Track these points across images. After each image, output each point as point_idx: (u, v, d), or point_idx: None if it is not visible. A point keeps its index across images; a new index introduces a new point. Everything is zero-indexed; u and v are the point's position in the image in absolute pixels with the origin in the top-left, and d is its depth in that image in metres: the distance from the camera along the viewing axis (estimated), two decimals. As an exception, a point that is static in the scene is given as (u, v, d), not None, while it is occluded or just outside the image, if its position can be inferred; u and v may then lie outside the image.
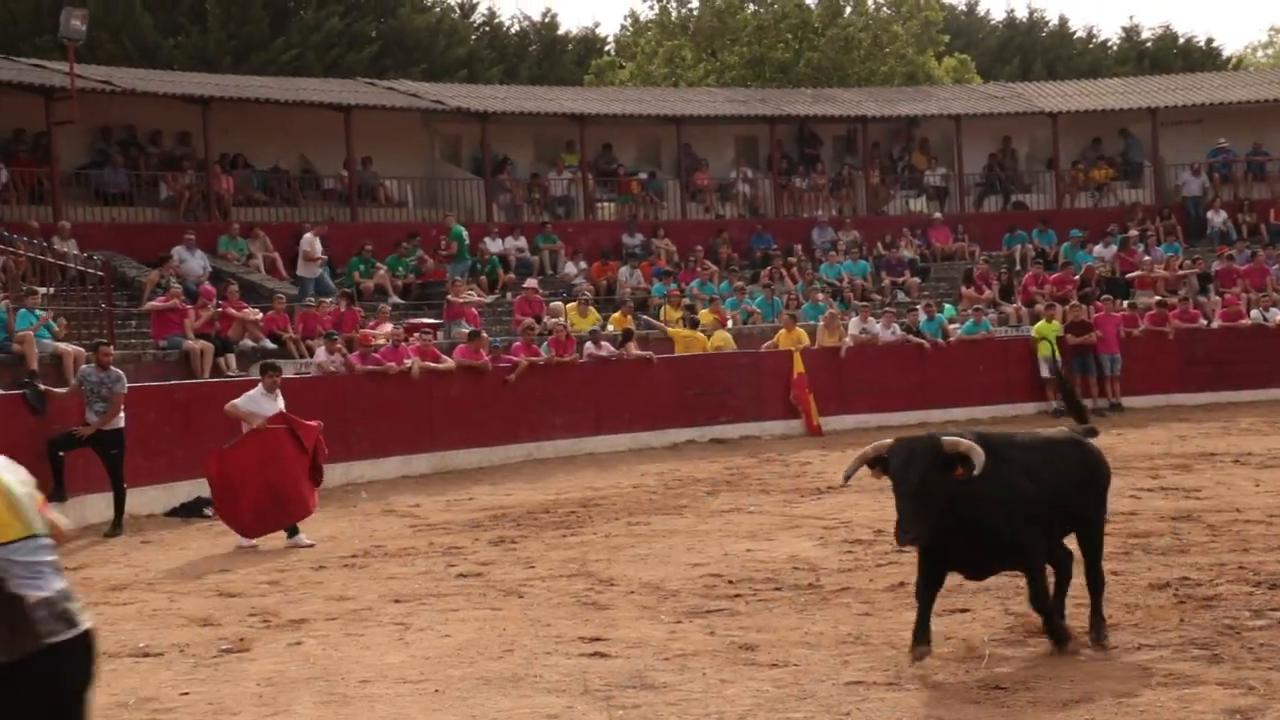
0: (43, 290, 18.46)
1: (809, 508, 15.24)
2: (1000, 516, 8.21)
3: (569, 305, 23.74)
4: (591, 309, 23.80)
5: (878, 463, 8.21)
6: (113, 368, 15.39)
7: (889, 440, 8.24)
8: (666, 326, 23.84)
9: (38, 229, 21.26)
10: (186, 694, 8.25)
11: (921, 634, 8.23)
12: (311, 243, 23.55)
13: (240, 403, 14.60)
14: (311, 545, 13.88)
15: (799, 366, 22.84)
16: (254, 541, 14.00)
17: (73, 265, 20.38)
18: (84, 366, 15.86)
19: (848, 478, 8.55)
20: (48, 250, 20.38)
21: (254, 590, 11.68)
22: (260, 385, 14.82)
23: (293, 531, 14.10)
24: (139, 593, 11.62)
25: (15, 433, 14.79)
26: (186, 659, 9.17)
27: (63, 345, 17.56)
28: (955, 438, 8.11)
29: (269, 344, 20.38)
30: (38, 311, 17.56)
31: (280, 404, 14.58)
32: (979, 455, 7.93)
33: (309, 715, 7.72)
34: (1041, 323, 24.56)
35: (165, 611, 10.88)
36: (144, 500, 15.24)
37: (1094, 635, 8.65)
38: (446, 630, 9.79)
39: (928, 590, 8.38)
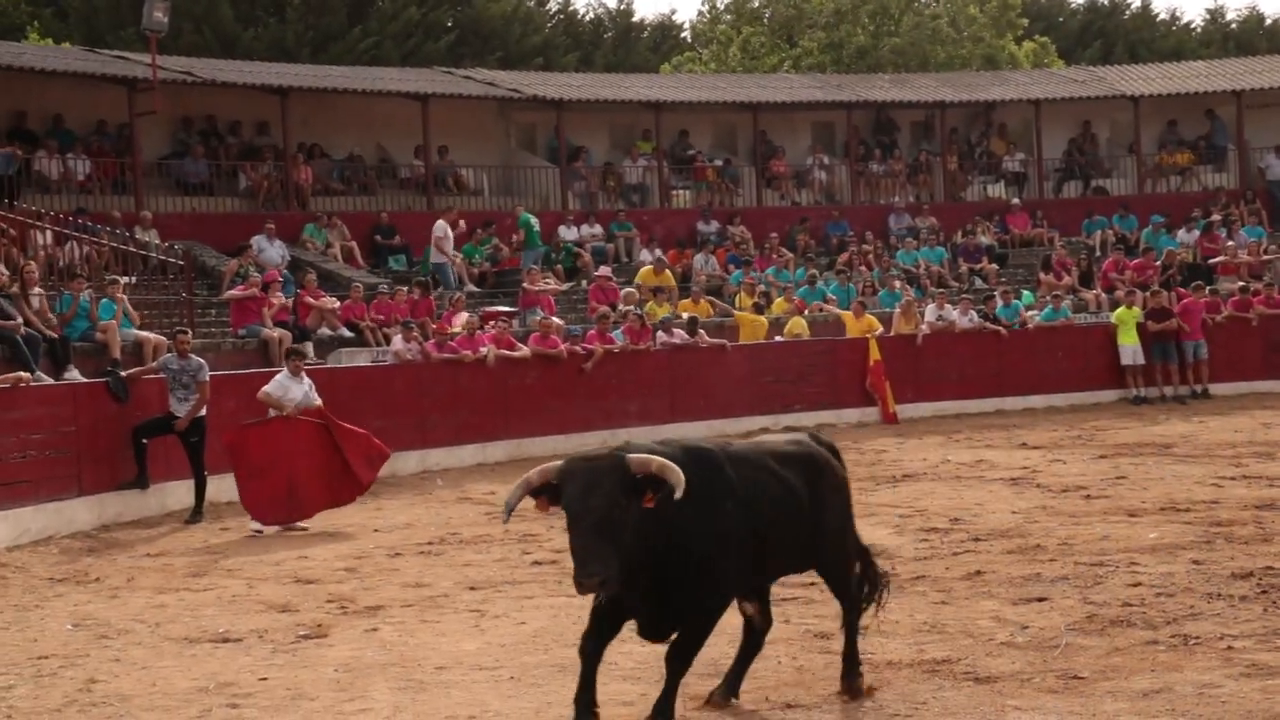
0: (124, 280, 18.67)
1: (885, 495, 15.16)
2: (709, 554, 6.83)
3: (644, 292, 23.68)
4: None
5: (545, 490, 6.65)
6: (193, 356, 15.54)
7: (558, 463, 6.73)
8: (734, 311, 23.76)
9: (120, 219, 21.52)
10: (265, 679, 8.33)
11: (584, 704, 6.83)
12: (444, 230, 23.78)
13: (270, 388, 14.97)
14: (305, 529, 14.34)
15: (875, 353, 22.71)
16: (263, 527, 14.29)
17: (154, 255, 20.62)
18: (165, 355, 16.05)
19: (510, 511, 6.78)
20: (130, 240, 20.62)
21: (331, 577, 11.77)
22: (285, 369, 15.32)
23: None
24: (218, 579, 11.74)
25: (99, 420, 15.02)
26: (265, 644, 9.26)
27: (143, 333, 17.78)
28: (645, 455, 6.62)
29: (346, 332, 20.52)
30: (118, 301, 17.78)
31: (307, 386, 15.06)
32: (677, 476, 6.51)
33: (386, 701, 7.77)
34: (1122, 309, 24.26)
35: (244, 598, 10.99)
36: (224, 487, 15.37)
37: (844, 682, 7.60)
38: (522, 617, 9.83)
39: (597, 643, 6.95)
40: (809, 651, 8.52)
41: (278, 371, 15.66)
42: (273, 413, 14.83)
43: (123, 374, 15.72)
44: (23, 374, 14.83)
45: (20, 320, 16.51)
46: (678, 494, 6.46)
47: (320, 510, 14.65)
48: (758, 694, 7.60)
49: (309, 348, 19.64)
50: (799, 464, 7.49)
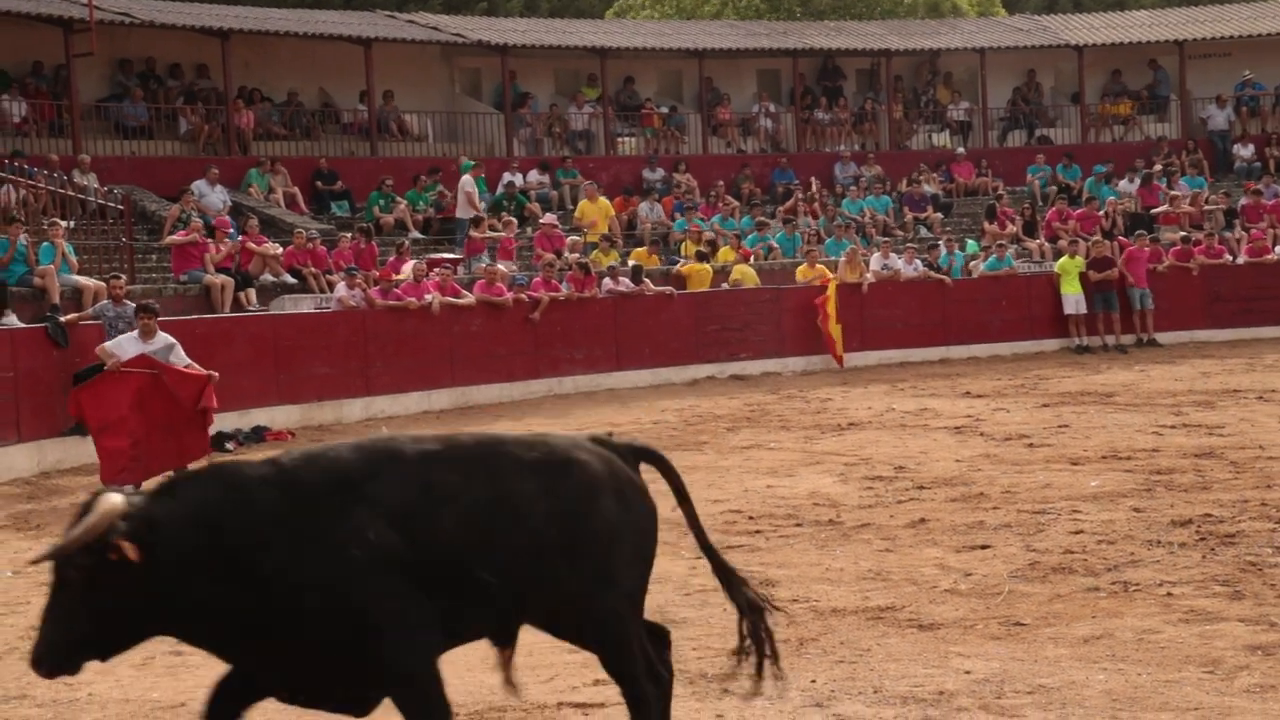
0: (64, 224, 18.41)
1: (829, 444, 15.22)
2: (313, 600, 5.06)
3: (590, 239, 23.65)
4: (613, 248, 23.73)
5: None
6: (162, 333, 14.85)
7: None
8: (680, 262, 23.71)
9: (57, 162, 21.22)
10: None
11: None
12: (471, 184, 23.64)
13: (108, 344, 14.06)
14: None
15: (832, 298, 22.60)
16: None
17: (93, 199, 20.35)
18: (102, 302, 15.86)
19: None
20: (68, 184, 20.34)
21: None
22: (135, 329, 14.18)
23: None
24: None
25: (38, 366, 14.85)
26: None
27: (82, 279, 17.56)
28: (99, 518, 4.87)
29: (289, 279, 20.36)
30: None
31: (161, 347, 13.96)
32: (126, 547, 4.82)
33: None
34: (1065, 259, 24.39)
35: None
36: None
37: None
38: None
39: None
40: (754, 599, 8.53)
41: (222, 318, 15.44)
42: (107, 366, 13.74)
43: (61, 319, 15.53)
44: (-41, 319, 14.66)
45: (-44, 265, 16.29)
46: (131, 556, 4.84)
47: (169, 468, 12.35)
48: (701, 642, 7.61)
49: (253, 295, 19.52)
50: (547, 476, 5.55)
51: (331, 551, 5.07)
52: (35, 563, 5.15)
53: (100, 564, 4.84)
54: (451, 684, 6.86)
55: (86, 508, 4.94)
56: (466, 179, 24.10)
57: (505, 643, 5.74)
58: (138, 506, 4.99)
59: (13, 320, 16.15)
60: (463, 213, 23.74)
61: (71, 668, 5.03)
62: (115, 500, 4.93)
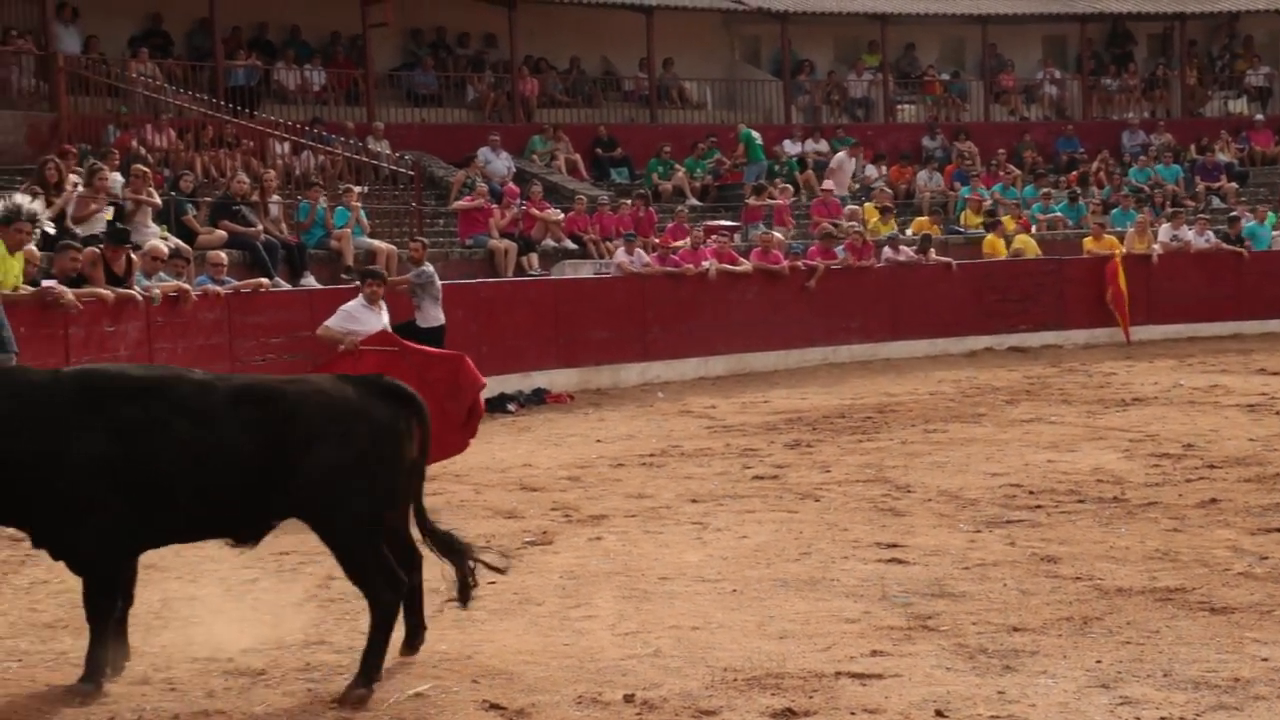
0: (357, 189, 19.12)
1: (1113, 419, 14.81)
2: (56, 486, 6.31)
3: (868, 208, 23.45)
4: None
5: None
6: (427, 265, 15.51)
7: None
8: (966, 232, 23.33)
9: (353, 129, 22.04)
10: (493, 583, 8.49)
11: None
12: (839, 161, 23.96)
13: (333, 322, 12.36)
14: None
15: (1121, 271, 21.94)
16: None
17: (385, 165, 21.06)
18: (424, 267, 15.65)
19: None
20: (362, 150, 21.09)
21: (556, 485, 11.97)
22: (360, 296, 12.58)
23: None
24: (446, 484, 11.98)
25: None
26: (493, 549, 9.46)
27: (375, 242, 18.20)
28: None
29: (570, 244, 20.74)
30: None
31: (385, 320, 12.43)
32: None
33: (610, 609, 7.88)
34: (1370, 232, 23.16)
35: (472, 503, 11.24)
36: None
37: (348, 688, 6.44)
38: (743, 531, 9.87)
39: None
40: (1035, 575, 8.38)
41: (505, 282, 15.53)
42: (341, 348, 12.05)
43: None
44: (262, 280, 15.36)
45: (260, 227, 17.07)
46: None
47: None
48: (980, 617, 7.51)
49: (534, 259, 19.93)
50: (259, 404, 6.49)
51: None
52: None
53: None
54: (728, 648, 6.96)
55: None
56: (839, 156, 24.30)
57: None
58: None
59: (310, 281, 16.87)
60: (840, 190, 23.73)
61: None
62: None
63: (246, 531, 6.67)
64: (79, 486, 6.28)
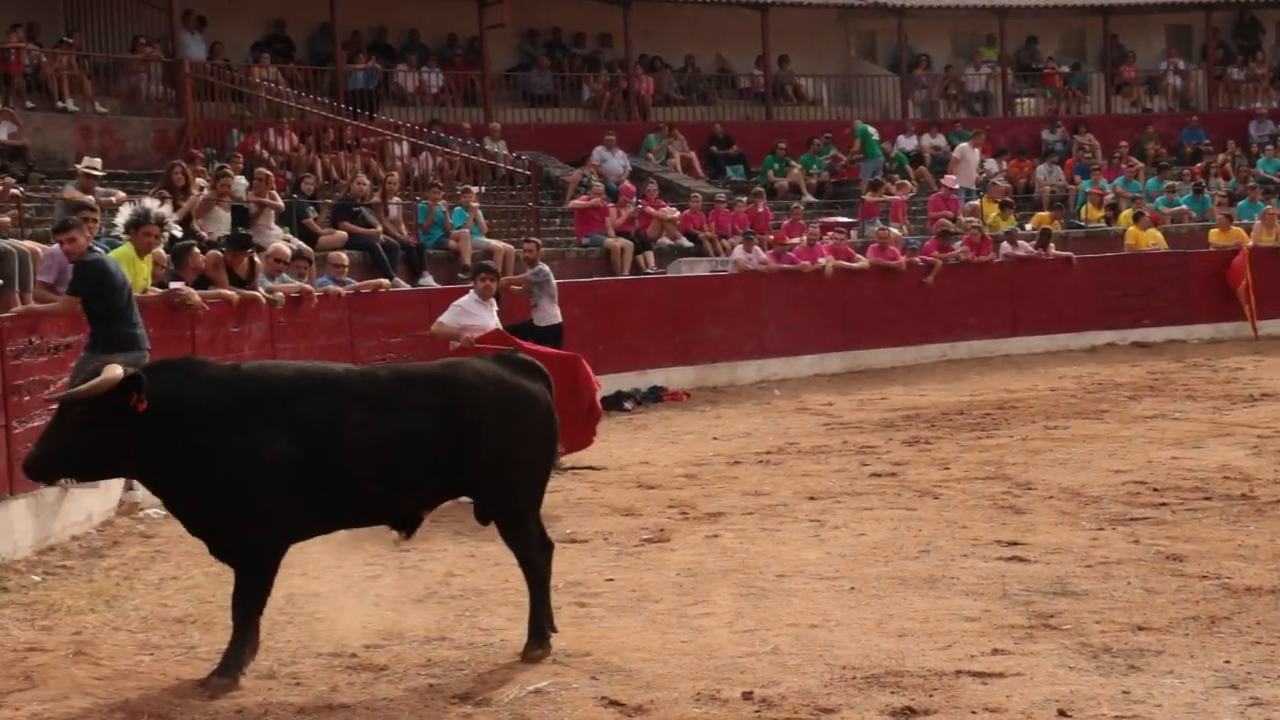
0: (475, 189, 19.29)
1: (1241, 415, 14.53)
2: (231, 481, 6.49)
3: (986, 203, 23.20)
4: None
5: None
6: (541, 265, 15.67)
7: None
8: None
9: (470, 130, 22.24)
10: (611, 580, 8.56)
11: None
12: (965, 154, 24.07)
13: (447, 318, 12.23)
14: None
15: (1248, 264, 21.50)
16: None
17: (502, 165, 21.22)
18: (540, 266, 15.79)
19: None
20: (479, 151, 21.27)
21: (672, 483, 11.99)
22: (471, 292, 12.47)
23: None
24: (564, 481, 11.96)
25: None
26: (611, 546, 9.51)
27: (493, 242, 18.34)
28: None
29: (686, 242, 20.75)
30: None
31: (496, 318, 12.36)
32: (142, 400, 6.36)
33: (728, 606, 7.88)
34: None
35: (589, 501, 11.30)
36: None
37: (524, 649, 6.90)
38: (861, 529, 9.82)
39: None
40: (1160, 574, 8.25)
41: (621, 281, 15.50)
42: (454, 345, 11.87)
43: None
44: (382, 280, 15.55)
45: (379, 228, 17.29)
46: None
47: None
48: (1104, 616, 7.41)
49: (650, 257, 19.96)
50: (431, 387, 6.76)
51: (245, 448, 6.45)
52: (53, 400, 7.48)
53: (99, 411, 6.35)
54: (847, 646, 6.94)
55: (94, 373, 6.43)
56: (962, 146, 24.22)
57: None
58: (136, 374, 6.44)
59: (429, 281, 17.05)
60: (964, 183, 23.63)
61: (51, 479, 7.18)
62: (118, 369, 6.41)
63: (411, 516, 6.95)
64: (258, 482, 6.46)
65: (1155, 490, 10.75)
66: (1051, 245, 21.49)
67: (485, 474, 6.79)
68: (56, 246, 10.45)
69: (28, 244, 12.80)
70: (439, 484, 6.81)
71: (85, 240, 10.10)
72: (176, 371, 6.62)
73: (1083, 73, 29.06)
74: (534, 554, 6.98)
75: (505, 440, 6.78)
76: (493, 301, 12.43)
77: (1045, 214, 23.33)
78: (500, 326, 12.27)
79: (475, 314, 12.17)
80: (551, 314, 15.28)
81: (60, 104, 19.51)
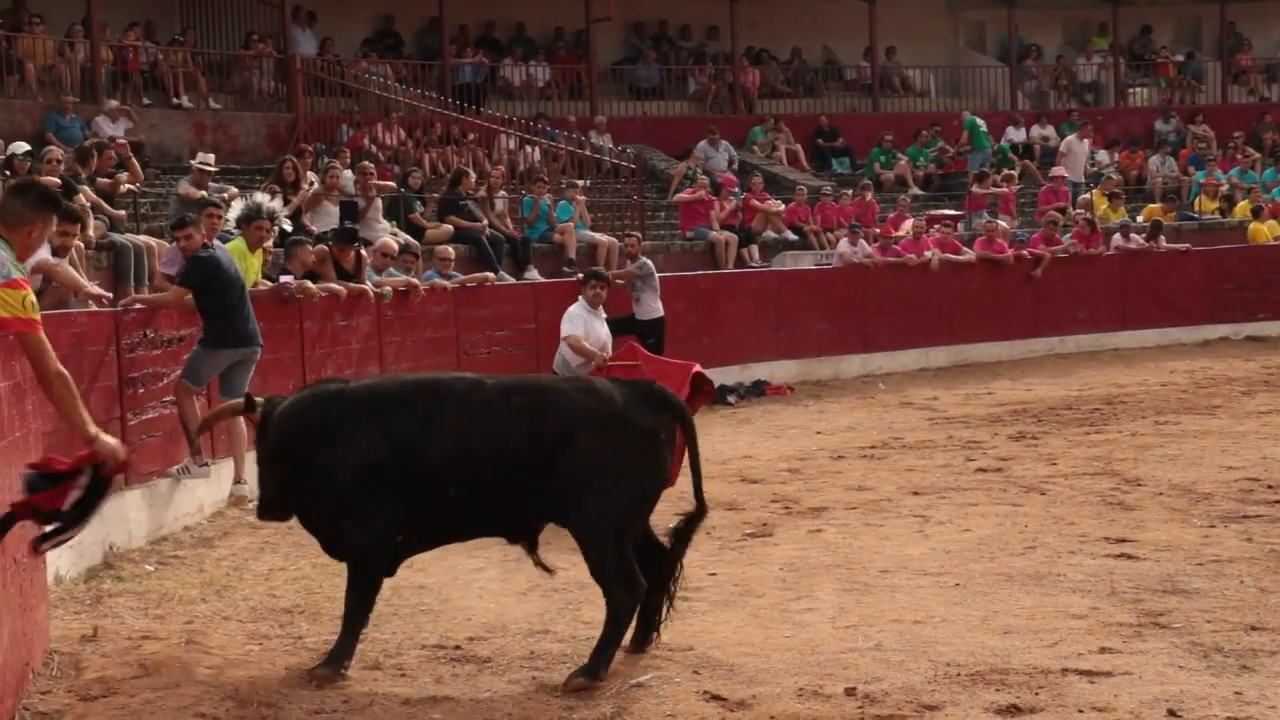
0: (580, 183, 19.37)
1: (1361, 414, 14.23)
2: (333, 490, 6.70)
3: (1096, 194, 22.90)
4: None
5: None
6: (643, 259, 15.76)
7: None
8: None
9: (575, 124, 22.32)
10: (714, 574, 8.57)
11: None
12: (1073, 146, 23.89)
13: (575, 330, 11.73)
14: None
15: None
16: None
17: (607, 159, 21.28)
18: (643, 260, 15.92)
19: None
20: (585, 144, 21.35)
21: (775, 477, 11.96)
22: (580, 299, 12.02)
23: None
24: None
25: (557, 318, 15.62)
26: (713, 541, 9.50)
27: (598, 235, 18.41)
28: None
29: (790, 235, 20.69)
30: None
31: (604, 325, 12.04)
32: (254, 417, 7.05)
33: (831, 601, 7.86)
34: None
35: (692, 495, 11.26)
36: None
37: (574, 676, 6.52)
38: (966, 525, 9.74)
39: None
40: (1274, 573, 8.10)
41: (726, 274, 15.35)
42: (578, 362, 11.56)
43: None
44: (488, 274, 15.67)
45: (485, 222, 17.42)
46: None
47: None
48: (1215, 615, 7.29)
49: (755, 251, 19.92)
50: (525, 398, 6.69)
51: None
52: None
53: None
54: (951, 643, 6.89)
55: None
56: (1070, 139, 24.02)
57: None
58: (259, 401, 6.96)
59: (534, 275, 17.15)
60: (1073, 176, 23.38)
61: (278, 518, 7.06)
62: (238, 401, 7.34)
63: (519, 528, 6.91)
64: (355, 489, 6.64)
65: (1269, 487, 10.55)
66: (1162, 237, 21.18)
67: (565, 492, 6.62)
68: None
69: (143, 238, 13.08)
70: (524, 497, 6.70)
71: (201, 237, 10.29)
72: (297, 399, 6.97)
73: (1197, 61, 28.56)
74: (616, 589, 6.62)
75: (594, 461, 6.60)
76: (601, 310, 12.04)
77: (1156, 206, 22.99)
78: (609, 335, 11.99)
79: (587, 322, 11.84)
80: (653, 308, 15.32)
81: (175, 100, 19.89)
